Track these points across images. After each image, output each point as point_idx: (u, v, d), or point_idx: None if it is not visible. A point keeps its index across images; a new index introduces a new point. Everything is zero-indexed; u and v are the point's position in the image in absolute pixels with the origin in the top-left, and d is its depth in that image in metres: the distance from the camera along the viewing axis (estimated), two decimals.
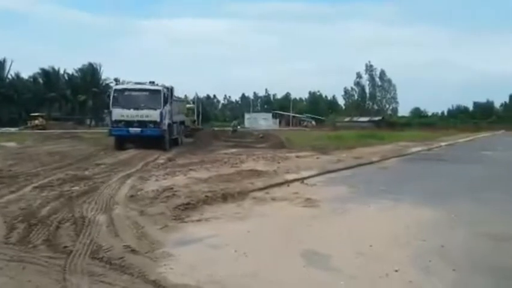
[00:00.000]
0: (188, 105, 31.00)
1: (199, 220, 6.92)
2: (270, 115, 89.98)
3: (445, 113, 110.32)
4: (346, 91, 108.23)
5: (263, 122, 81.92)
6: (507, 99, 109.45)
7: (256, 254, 5.34)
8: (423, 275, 4.66)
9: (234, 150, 20.16)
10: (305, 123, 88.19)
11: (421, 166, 15.85)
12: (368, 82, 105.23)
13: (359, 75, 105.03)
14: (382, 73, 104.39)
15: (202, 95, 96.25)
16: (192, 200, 7.85)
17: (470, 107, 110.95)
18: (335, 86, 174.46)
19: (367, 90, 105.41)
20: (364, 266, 4.95)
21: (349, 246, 5.70)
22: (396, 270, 4.75)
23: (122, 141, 19.91)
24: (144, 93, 20.03)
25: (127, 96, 19.89)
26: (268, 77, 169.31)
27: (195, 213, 7.34)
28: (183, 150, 19.64)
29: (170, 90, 21.42)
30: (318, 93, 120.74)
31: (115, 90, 20.47)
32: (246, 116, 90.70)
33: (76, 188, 9.15)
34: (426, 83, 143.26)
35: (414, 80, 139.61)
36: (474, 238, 6.18)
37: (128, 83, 22.29)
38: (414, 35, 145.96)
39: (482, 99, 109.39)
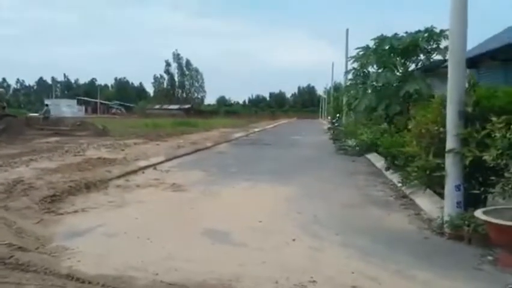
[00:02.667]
0: None
1: (75, 211, 6.51)
2: (74, 102, 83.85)
3: (246, 102, 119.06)
4: (156, 78, 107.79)
5: (67, 108, 75.74)
6: (296, 91, 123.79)
7: (160, 238, 5.35)
8: (317, 240, 5.37)
9: (56, 138, 18.71)
10: (114, 111, 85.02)
11: (252, 150, 17.17)
12: (176, 71, 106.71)
13: (168, 64, 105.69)
14: (188, 62, 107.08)
15: None
16: (57, 192, 7.26)
17: (267, 97, 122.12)
18: (142, 73, 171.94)
19: (176, 79, 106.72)
20: (264, 239, 5.42)
21: (241, 223, 6.12)
22: (293, 240, 5.36)
23: None
24: None
25: None
26: (67, 60, 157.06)
27: (65, 204, 6.86)
28: None
29: None
30: (124, 80, 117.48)
31: None
32: (46, 102, 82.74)
33: None
34: (229, 73, 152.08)
35: (219, 70, 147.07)
36: (333, 207, 7.22)
37: None
38: (218, 27, 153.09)
39: (276, 90, 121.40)
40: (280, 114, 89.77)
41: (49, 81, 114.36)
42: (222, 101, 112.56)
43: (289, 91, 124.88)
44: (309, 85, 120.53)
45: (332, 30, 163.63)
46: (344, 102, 21.65)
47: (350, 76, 15.02)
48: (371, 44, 12.09)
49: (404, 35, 11.56)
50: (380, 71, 11.98)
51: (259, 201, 7.67)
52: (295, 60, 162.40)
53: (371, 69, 12.62)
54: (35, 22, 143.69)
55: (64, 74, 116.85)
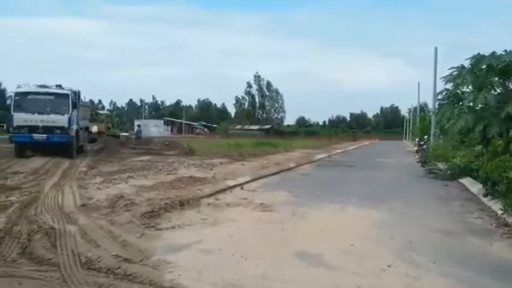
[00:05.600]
0: (104, 112, 29.54)
1: (173, 227, 6.82)
2: (161, 122, 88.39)
3: (326, 122, 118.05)
4: (237, 100, 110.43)
5: (154, 129, 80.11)
6: (379, 111, 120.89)
7: (253, 257, 5.45)
8: (413, 268, 5.18)
9: (148, 157, 19.76)
10: (198, 131, 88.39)
11: (336, 172, 17.00)
12: (257, 92, 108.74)
13: (249, 85, 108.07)
14: (269, 84, 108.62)
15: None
16: (155, 208, 7.69)
17: (348, 118, 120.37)
18: (224, 94, 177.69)
19: (257, 100, 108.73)
20: (358, 263, 5.34)
21: (333, 246, 6.06)
22: (389, 266, 5.21)
23: (24, 148, 18.49)
24: (50, 97, 18.69)
25: (31, 100, 18.40)
26: (154, 83, 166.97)
27: (162, 220, 7.20)
28: (96, 158, 18.73)
29: (78, 94, 20.27)
30: (207, 101, 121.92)
31: (17, 93, 18.70)
32: (136, 122, 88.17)
33: (13, 198, 8.41)
34: (309, 94, 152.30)
35: (299, 90, 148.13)
36: (428, 234, 6.93)
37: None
38: (296, 48, 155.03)
39: (357, 111, 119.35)
40: (362, 135, 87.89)
41: (138, 102, 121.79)
42: (302, 122, 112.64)
43: (371, 111, 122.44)
44: (392, 105, 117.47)
45: (411, 49, 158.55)
46: (433, 123, 20.80)
47: (439, 96, 14.44)
48: (466, 63, 11.60)
49: (503, 53, 10.94)
50: (475, 91, 11.40)
51: (349, 224, 7.56)
52: (377, 80, 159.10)
53: (466, 89, 12.07)
54: (123, 48, 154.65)
55: (153, 96, 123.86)
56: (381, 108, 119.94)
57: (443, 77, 12.30)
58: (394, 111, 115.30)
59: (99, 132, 26.33)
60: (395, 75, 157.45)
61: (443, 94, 13.21)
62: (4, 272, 4.65)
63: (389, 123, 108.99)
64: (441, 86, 13.67)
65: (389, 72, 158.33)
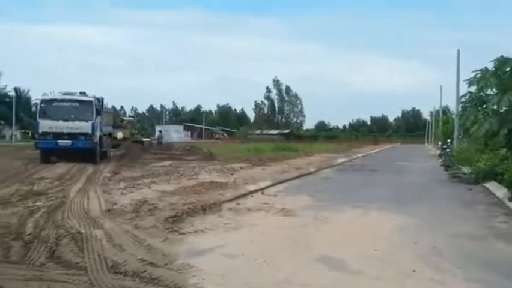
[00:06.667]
0: (128, 118, 30.21)
1: (196, 231, 6.89)
2: (181, 127, 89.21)
3: (346, 126, 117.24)
4: (256, 104, 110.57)
5: (175, 134, 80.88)
6: (400, 114, 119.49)
7: (276, 261, 5.48)
8: (438, 273, 5.13)
9: (169, 162, 20.01)
10: (217, 136, 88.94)
11: (358, 176, 16.91)
12: (276, 96, 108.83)
13: (268, 90, 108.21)
14: (288, 88, 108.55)
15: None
16: (177, 213, 7.79)
17: (368, 121, 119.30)
18: (243, 99, 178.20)
19: (276, 104, 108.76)
20: (382, 268, 5.31)
21: (355, 250, 6.05)
22: (413, 271, 5.16)
23: (50, 154, 18.93)
24: (74, 104, 19.15)
25: (56, 107, 18.90)
26: (175, 88, 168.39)
27: (185, 225, 7.29)
28: (119, 163, 19.01)
29: (101, 101, 20.67)
30: (227, 106, 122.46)
31: (43, 100, 19.28)
32: (157, 128, 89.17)
33: (40, 203, 8.62)
34: (329, 98, 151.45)
35: (318, 94, 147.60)
36: (452, 239, 6.85)
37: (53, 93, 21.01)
38: (314, 52, 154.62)
39: (378, 114, 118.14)
40: (383, 139, 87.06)
41: (159, 108, 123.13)
42: (321, 126, 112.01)
43: (392, 115, 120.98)
44: (413, 109, 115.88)
45: (431, 51, 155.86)
46: (456, 126, 20.54)
47: (463, 99, 14.26)
48: (488, 64, 11.44)
49: None
50: (499, 94, 11.23)
51: (372, 228, 7.52)
52: (397, 83, 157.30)
53: (490, 92, 11.91)
54: (143, 54, 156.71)
55: (173, 102, 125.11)
56: (403, 112, 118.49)
57: (466, 80, 12.16)
58: (416, 114, 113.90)
59: (124, 138, 26.93)
60: (415, 78, 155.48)
61: (467, 97, 13.05)
62: (33, 276, 4.78)
63: (410, 127, 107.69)
64: (464, 88, 13.54)
65: (410, 74, 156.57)
